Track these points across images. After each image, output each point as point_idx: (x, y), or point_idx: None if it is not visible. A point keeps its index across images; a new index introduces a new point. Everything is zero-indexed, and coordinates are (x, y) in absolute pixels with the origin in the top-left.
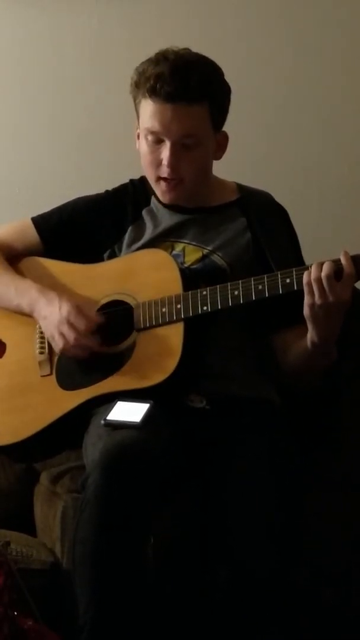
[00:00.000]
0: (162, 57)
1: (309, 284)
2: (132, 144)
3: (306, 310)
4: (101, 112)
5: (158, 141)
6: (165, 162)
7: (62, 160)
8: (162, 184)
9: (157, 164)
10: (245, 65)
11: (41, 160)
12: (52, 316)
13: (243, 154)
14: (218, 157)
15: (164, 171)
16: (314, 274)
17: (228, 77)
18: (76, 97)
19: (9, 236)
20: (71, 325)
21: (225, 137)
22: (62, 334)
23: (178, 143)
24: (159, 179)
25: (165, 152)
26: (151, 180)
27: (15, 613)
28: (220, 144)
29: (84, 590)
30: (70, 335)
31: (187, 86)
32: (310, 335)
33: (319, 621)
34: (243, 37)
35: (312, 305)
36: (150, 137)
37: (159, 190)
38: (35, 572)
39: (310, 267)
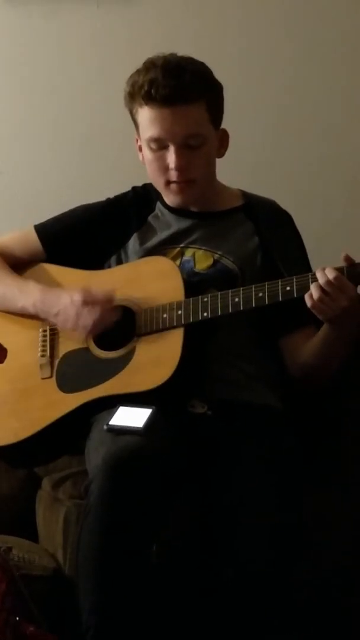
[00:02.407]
0: (150, 65)
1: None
2: (135, 151)
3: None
4: (104, 117)
5: (162, 147)
6: (172, 165)
7: (65, 166)
8: (173, 186)
9: (165, 169)
10: (247, 68)
11: (43, 166)
12: (67, 308)
13: (246, 159)
14: (221, 155)
15: (173, 175)
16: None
17: (229, 81)
18: (78, 102)
19: (12, 244)
20: (90, 304)
21: (225, 134)
22: (85, 317)
23: (183, 145)
24: (168, 183)
25: (171, 157)
26: (160, 187)
27: (18, 619)
28: (222, 141)
29: (87, 596)
30: (96, 311)
31: (183, 86)
32: (326, 328)
33: (321, 620)
34: (244, 39)
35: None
36: (153, 145)
37: (170, 194)
38: (38, 578)
39: (311, 275)
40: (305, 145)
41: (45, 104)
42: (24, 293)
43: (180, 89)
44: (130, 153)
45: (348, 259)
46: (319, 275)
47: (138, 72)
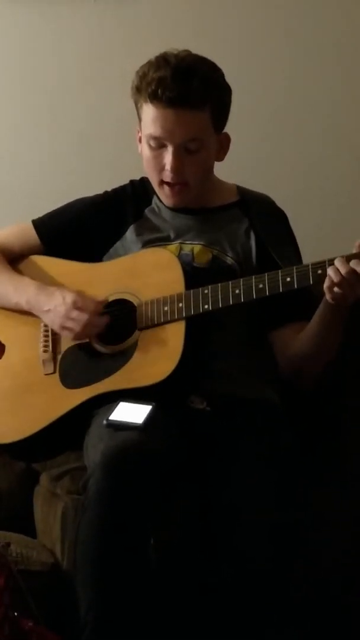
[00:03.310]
0: (162, 61)
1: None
2: (132, 146)
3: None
4: (101, 113)
5: (160, 146)
6: (168, 166)
7: (62, 162)
8: (166, 188)
9: (160, 168)
10: (245, 66)
11: (41, 162)
12: (57, 308)
13: (244, 156)
14: (220, 159)
15: (167, 176)
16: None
17: (228, 79)
18: (76, 98)
19: (9, 239)
20: (79, 308)
21: (227, 138)
22: (73, 320)
23: (181, 147)
24: (162, 183)
25: (168, 157)
26: (155, 184)
27: (16, 614)
28: (222, 145)
29: (86, 591)
30: (82, 317)
31: (189, 91)
32: (325, 313)
33: (320, 617)
34: (243, 38)
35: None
36: (152, 142)
37: (163, 194)
38: (36, 573)
39: (311, 265)
40: (303, 144)
41: (42, 99)
42: (19, 290)
43: (186, 94)
44: (128, 148)
45: None
46: (339, 263)
47: (149, 65)
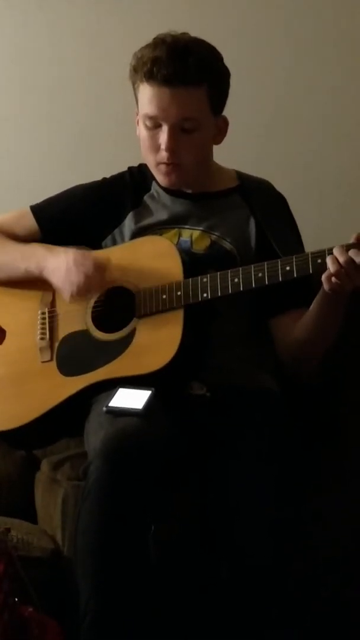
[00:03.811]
0: (160, 41)
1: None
2: (130, 139)
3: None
4: (100, 111)
5: (156, 126)
6: (163, 146)
7: (61, 155)
8: (162, 167)
9: (156, 149)
10: (245, 54)
11: (40, 153)
12: (60, 264)
13: (243, 143)
14: (218, 142)
15: (163, 156)
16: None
17: (228, 66)
18: (75, 93)
19: (9, 222)
20: (79, 266)
21: (225, 122)
22: (72, 275)
23: (176, 127)
24: (158, 164)
25: (163, 137)
26: (151, 166)
27: (16, 600)
28: (220, 129)
29: (86, 580)
30: (80, 276)
31: (185, 69)
32: (323, 301)
33: (319, 614)
34: (243, 27)
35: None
36: (148, 122)
37: (159, 174)
38: (36, 559)
39: (310, 255)
40: (302, 132)
41: (41, 97)
42: (26, 255)
43: (181, 70)
44: (127, 144)
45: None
46: (337, 252)
47: (147, 46)
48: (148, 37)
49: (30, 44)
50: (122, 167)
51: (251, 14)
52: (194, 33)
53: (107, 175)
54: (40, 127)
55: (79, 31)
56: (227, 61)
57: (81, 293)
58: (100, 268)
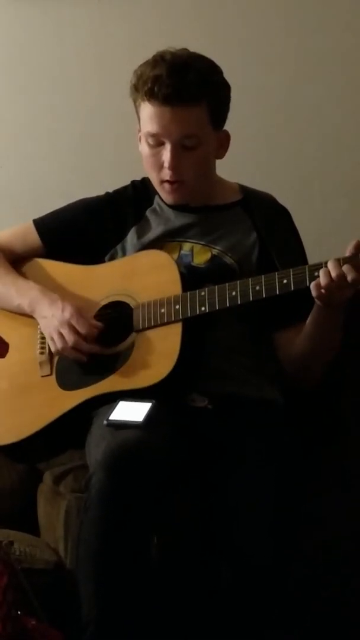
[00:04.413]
0: (159, 59)
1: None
2: (133, 145)
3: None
4: (103, 113)
5: (159, 143)
6: (166, 164)
7: (64, 162)
8: (166, 185)
9: (159, 166)
10: (247, 64)
11: (42, 161)
12: (54, 317)
13: (245, 155)
14: (220, 156)
15: (166, 174)
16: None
17: (229, 77)
18: (78, 98)
19: (11, 239)
20: (72, 327)
21: (226, 136)
22: (61, 335)
23: (178, 144)
24: (162, 182)
25: (166, 155)
26: (155, 183)
27: (19, 612)
28: (222, 143)
29: (88, 590)
30: (70, 338)
31: (185, 87)
32: (317, 313)
33: (319, 615)
34: (244, 36)
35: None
36: (150, 140)
37: (163, 192)
38: (39, 571)
39: (307, 268)
40: (304, 142)
41: (44, 98)
42: (21, 292)
43: (181, 89)
44: (129, 147)
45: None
46: (331, 265)
47: (146, 64)
48: (151, 39)
49: (33, 49)
50: (124, 170)
51: (253, 24)
52: (196, 38)
53: (109, 183)
54: (41, 129)
55: (83, 36)
56: (229, 71)
57: (66, 353)
58: (93, 338)
